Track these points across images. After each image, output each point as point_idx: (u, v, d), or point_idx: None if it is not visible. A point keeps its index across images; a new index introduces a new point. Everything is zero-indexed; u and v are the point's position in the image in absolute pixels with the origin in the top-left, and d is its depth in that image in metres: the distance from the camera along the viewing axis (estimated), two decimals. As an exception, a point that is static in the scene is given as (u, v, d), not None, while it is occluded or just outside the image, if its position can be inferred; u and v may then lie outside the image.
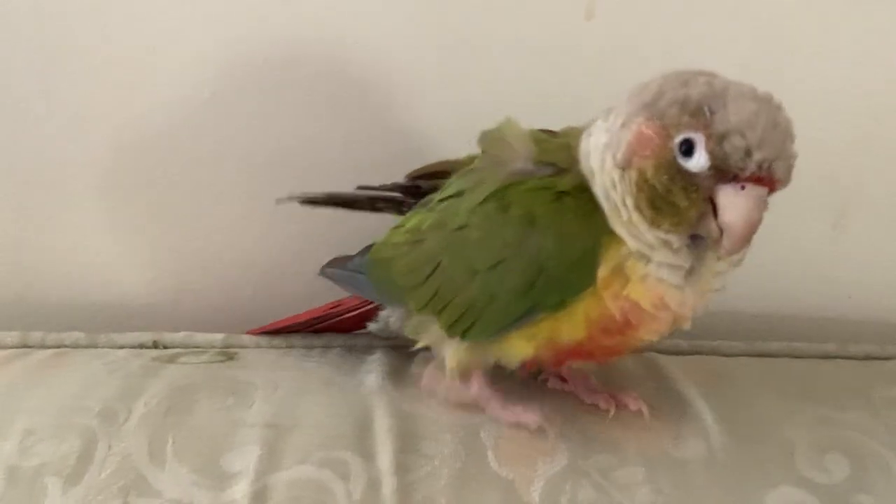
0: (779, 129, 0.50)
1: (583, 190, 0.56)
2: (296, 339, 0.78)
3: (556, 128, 0.63)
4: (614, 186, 0.54)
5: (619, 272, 0.55)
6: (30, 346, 0.75)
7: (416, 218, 0.66)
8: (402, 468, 0.60)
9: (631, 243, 0.54)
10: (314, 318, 0.77)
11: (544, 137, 0.62)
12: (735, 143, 0.49)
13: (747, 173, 0.50)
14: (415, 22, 0.78)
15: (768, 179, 0.50)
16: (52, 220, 0.83)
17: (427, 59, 0.79)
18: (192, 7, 0.76)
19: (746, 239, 0.51)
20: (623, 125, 0.54)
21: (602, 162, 0.55)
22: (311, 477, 0.59)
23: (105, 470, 0.59)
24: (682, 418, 0.66)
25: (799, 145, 0.79)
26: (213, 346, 0.76)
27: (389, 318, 0.70)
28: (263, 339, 0.78)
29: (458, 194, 0.62)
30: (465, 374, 0.65)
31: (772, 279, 0.86)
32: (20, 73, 0.77)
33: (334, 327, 0.77)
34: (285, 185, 0.79)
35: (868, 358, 0.78)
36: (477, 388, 0.65)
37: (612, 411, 0.64)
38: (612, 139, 0.54)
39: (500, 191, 0.58)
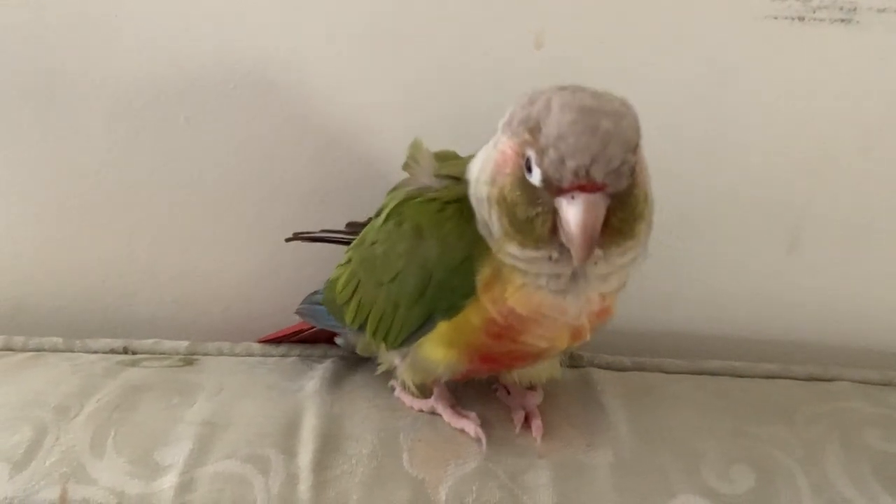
0: (597, 135, 0.49)
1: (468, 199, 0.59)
2: (257, 348, 0.82)
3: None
4: (484, 207, 0.56)
5: (498, 277, 0.57)
6: (13, 350, 0.81)
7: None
8: (320, 466, 0.64)
9: (508, 261, 0.56)
10: (299, 331, 0.81)
11: (449, 154, 0.66)
12: (551, 156, 0.50)
13: (565, 183, 0.50)
14: (372, 54, 0.81)
15: (590, 185, 0.50)
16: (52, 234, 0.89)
17: (382, 89, 0.82)
18: (163, 30, 0.80)
19: (587, 245, 0.51)
20: (494, 145, 0.56)
21: (476, 182, 0.57)
22: (234, 471, 0.63)
23: (50, 458, 0.64)
24: (598, 428, 0.68)
25: (750, 170, 0.82)
26: (178, 353, 0.81)
27: (348, 334, 0.75)
28: (226, 347, 0.82)
29: (378, 213, 0.67)
30: (424, 387, 0.69)
31: (729, 303, 0.88)
32: (13, 94, 0.83)
33: (317, 337, 0.81)
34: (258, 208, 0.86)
35: (811, 379, 0.78)
36: (434, 397, 0.70)
37: (518, 429, 0.67)
38: (487, 158, 0.57)
39: (397, 207, 0.63)
